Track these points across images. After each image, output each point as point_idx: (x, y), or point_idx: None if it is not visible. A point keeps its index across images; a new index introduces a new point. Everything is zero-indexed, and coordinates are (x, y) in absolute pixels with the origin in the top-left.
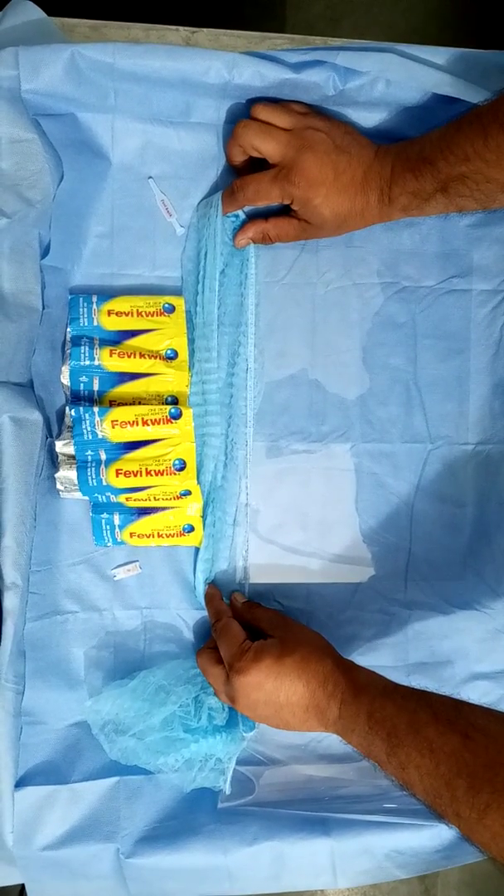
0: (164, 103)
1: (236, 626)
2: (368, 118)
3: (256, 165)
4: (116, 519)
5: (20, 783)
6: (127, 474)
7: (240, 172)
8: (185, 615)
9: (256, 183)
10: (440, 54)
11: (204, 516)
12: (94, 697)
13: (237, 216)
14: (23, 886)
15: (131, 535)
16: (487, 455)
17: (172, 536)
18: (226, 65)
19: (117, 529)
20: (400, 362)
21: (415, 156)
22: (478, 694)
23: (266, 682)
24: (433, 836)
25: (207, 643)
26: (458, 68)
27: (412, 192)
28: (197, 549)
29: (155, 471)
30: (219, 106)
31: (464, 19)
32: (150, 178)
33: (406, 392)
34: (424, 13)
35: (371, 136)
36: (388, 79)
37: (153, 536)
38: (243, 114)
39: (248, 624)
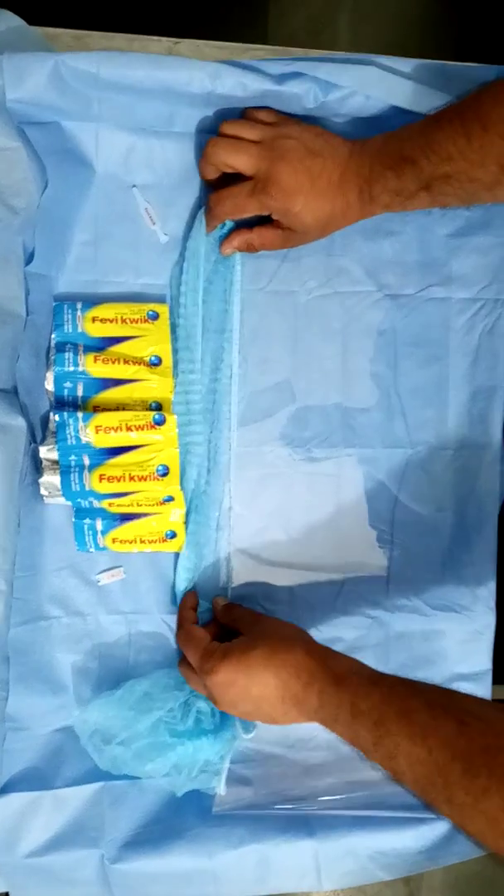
0: (147, 113)
1: (199, 630)
2: (348, 130)
3: (232, 178)
4: (99, 524)
5: (3, 790)
6: (110, 479)
7: (216, 188)
8: (170, 620)
9: (233, 198)
10: (421, 67)
11: (187, 522)
12: (82, 708)
13: (224, 224)
14: (6, 894)
15: (114, 540)
16: (466, 460)
17: (154, 542)
18: (208, 75)
19: (100, 535)
20: (381, 369)
21: (394, 153)
22: None
23: (237, 676)
24: (417, 836)
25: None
26: (439, 82)
27: (394, 191)
28: (177, 555)
29: (138, 476)
30: (202, 116)
31: (445, 32)
32: (134, 186)
33: (387, 398)
34: (405, 25)
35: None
36: (367, 87)
37: (136, 542)
38: None
39: (228, 627)
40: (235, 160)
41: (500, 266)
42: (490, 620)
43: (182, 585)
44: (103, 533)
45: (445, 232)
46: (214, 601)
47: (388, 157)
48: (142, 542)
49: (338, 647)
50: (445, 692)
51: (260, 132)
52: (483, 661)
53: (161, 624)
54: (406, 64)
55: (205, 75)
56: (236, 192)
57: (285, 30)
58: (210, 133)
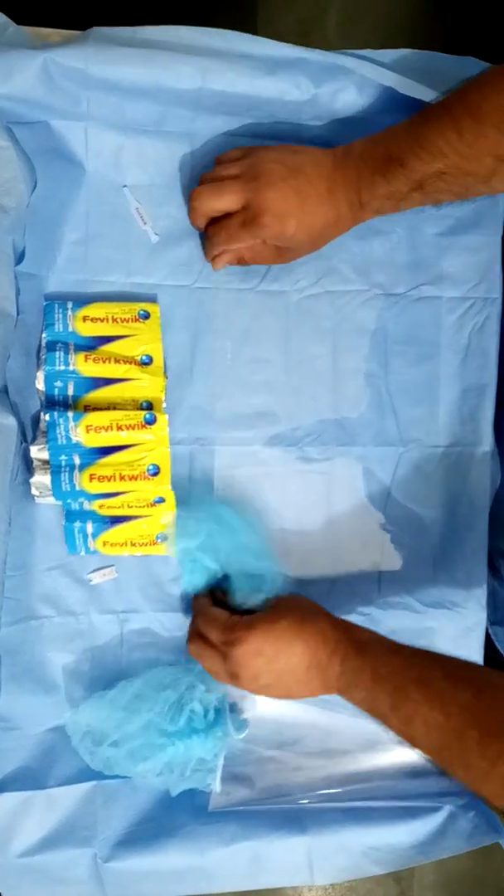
0: (137, 112)
1: (217, 609)
2: (339, 126)
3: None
4: (90, 528)
5: None
6: (101, 479)
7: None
8: (163, 618)
9: (227, 230)
10: (409, 58)
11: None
12: (74, 709)
13: None
14: None
15: (104, 543)
16: (457, 457)
17: (145, 546)
18: (199, 70)
19: (90, 538)
20: (372, 367)
21: (381, 156)
22: None
23: (265, 646)
24: (409, 832)
25: (192, 631)
26: (428, 71)
27: (384, 195)
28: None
29: (129, 476)
30: (193, 115)
31: (434, 35)
32: (125, 186)
33: (378, 396)
34: (394, 27)
35: (335, 144)
36: (361, 77)
37: (126, 545)
38: (217, 125)
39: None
40: (220, 202)
41: (489, 265)
42: (481, 617)
43: (188, 577)
44: (94, 536)
45: (435, 231)
46: (212, 595)
47: (376, 161)
48: (132, 545)
49: None
50: (464, 663)
51: (237, 167)
52: (475, 657)
53: (154, 622)
54: (394, 55)
55: (194, 70)
56: (228, 223)
57: (274, 34)
58: (200, 135)
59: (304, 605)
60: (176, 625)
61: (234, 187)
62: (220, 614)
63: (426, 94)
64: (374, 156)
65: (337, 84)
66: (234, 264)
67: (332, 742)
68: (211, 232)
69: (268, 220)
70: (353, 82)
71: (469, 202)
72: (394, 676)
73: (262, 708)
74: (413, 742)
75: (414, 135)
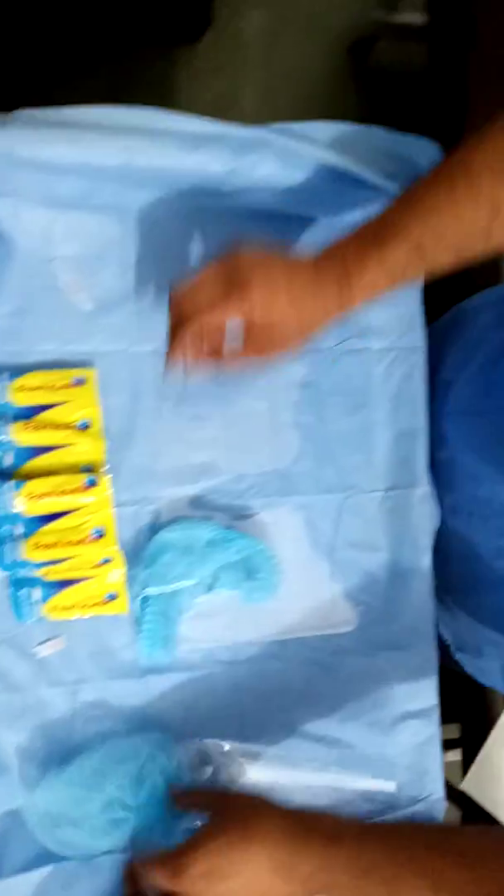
0: (65, 188)
1: (146, 853)
2: (259, 197)
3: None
4: (37, 593)
5: None
6: (45, 547)
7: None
8: (117, 686)
9: (206, 295)
10: (329, 129)
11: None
12: (29, 789)
13: None
14: None
15: (53, 608)
16: (396, 500)
17: (96, 606)
18: (123, 147)
19: (38, 604)
20: (308, 419)
21: (370, 233)
22: (408, 734)
23: (215, 863)
24: None
25: None
26: (348, 143)
27: (377, 266)
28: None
29: (74, 541)
30: (120, 189)
31: (359, 108)
32: (55, 259)
33: (316, 446)
34: (318, 108)
35: (262, 217)
36: (280, 150)
37: (76, 608)
38: (144, 197)
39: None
40: (201, 290)
41: (412, 316)
42: (432, 655)
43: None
44: (42, 601)
45: None
46: (171, 791)
47: (366, 233)
48: (82, 607)
49: (288, 698)
50: (441, 831)
51: (213, 269)
52: (430, 696)
53: (107, 691)
54: (315, 128)
55: (119, 147)
56: (210, 290)
57: (194, 110)
58: (128, 207)
59: (245, 804)
60: (131, 692)
61: (214, 273)
62: (150, 855)
63: (341, 161)
64: (363, 232)
65: (256, 156)
66: (201, 365)
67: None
68: (183, 300)
69: (256, 289)
70: (272, 153)
71: None
72: (382, 866)
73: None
74: None
75: (404, 202)
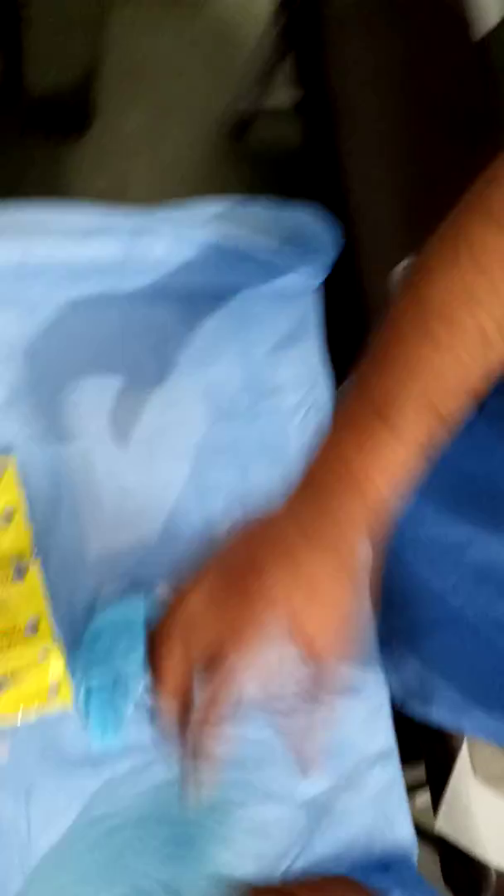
0: None
1: None
2: (160, 278)
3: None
4: None
5: None
6: None
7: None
8: (71, 790)
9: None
10: (218, 205)
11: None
12: None
13: None
14: None
15: None
16: None
17: (40, 703)
18: (18, 244)
19: None
20: (231, 478)
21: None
22: (374, 781)
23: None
24: None
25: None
26: (236, 216)
27: (418, 404)
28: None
29: (7, 644)
30: (19, 285)
31: (244, 185)
32: None
33: (241, 504)
34: (205, 190)
35: (159, 294)
36: (172, 230)
37: (20, 709)
38: (42, 290)
39: None
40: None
41: (316, 369)
42: (384, 696)
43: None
44: None
45: (263, 351)
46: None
47: (352, 398)
48: (26, 706)
49: (248, 765)
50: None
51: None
52: (387, 737)
53: (57, 793)
54: (205, 206)
55: (14, 243)
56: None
57: (87, 197)
58: (27, 301)
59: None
60: (90, 795)
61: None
62: None
63: (231, 233)
64: (348, 399)
65: (150, 237)
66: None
67: None
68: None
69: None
70: (165, 233)
71: (285, 316)
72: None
73: None
74: None
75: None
